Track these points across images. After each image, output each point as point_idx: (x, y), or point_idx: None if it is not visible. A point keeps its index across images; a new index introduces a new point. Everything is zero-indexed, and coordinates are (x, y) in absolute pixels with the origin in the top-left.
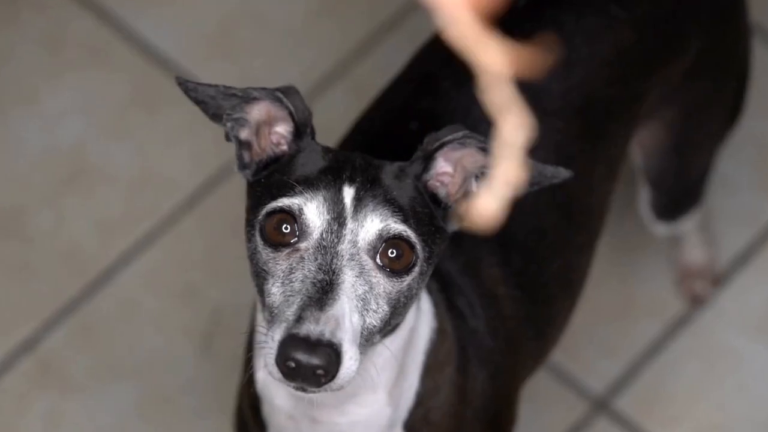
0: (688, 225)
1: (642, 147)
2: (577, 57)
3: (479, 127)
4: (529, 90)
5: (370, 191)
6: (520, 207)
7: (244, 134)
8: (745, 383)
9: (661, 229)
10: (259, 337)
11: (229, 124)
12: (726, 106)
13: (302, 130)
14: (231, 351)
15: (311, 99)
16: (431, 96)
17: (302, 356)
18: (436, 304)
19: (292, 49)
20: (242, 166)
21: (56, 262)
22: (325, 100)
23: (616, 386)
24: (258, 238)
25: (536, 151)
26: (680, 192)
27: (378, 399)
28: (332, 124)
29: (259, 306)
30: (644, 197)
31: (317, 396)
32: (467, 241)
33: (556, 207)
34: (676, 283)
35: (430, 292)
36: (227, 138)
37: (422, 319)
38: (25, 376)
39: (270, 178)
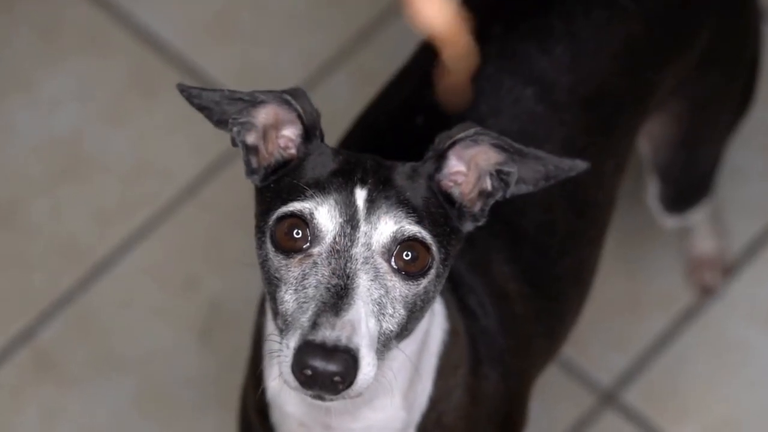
0: (697, 217)
1: (651, 139)
2: (586, 49)
3: (486, 121)
4: (538, 83)
5: (383, 192)
6: (530, 201)
7: (251, 139)
8: (755, 375)
9: (670, 221)
10: (271, 346)
11: (235, 129)
12: (736, 97)
13: (311, 132)
14: (231, 343)
15: (313, 85)
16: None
17: (319, 363)
18: (447, 305)
19: (294, 34)
20: (250, 171)
21: (53, 252)
22: (327, 87)
23: (624, 379)
24: (269, 244)
25: (545, 145)
26: (689, 184)
27: (393, 403)
28: (334, 111)
29: (269, 314)
30: (652, 190)
31: (333, 403)
32: (477, 238)
33: (566, 201)
34: (686, 273)
35: (441, 292)
36: (233, 143)
37: (435, 321)
38: (21, 368)
39: (279, 183)
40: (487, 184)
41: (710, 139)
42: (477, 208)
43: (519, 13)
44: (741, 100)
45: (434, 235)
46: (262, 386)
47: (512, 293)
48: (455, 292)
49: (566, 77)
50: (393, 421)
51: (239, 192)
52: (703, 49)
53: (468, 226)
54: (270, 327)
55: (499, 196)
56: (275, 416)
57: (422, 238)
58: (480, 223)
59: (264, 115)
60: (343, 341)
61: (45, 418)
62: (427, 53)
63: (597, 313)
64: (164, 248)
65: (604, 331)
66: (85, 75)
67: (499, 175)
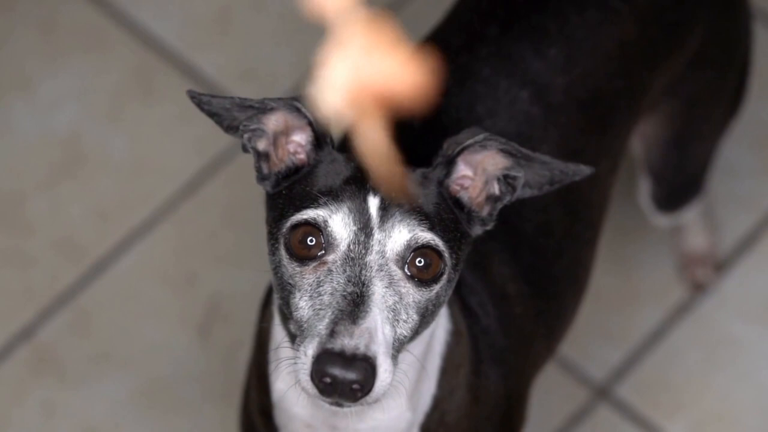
0: (689, 215)
1: (643, 138)
2: (580, 51)
3: (483, 123)
4: (532, 85)
5: (396, 200)
6: (528, 203)
7: (262, 145)
8: (747, 369)
9: (662, 220)
10: (281, 354)
11: (246, 136)
12: (728, 97)
13: (322, 139)
14: (230, 339)
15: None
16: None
17: (338, 372)
18: (450, 305)
19: (289, 34)
20: (261, 177)
21: (52, 250)
22: None
23: (618, 374)
24: (283, 252)
25: (541, 146)
26: (681, 183)
27: (399, 404)
28: None
29: (276, 319)
30: (644, 189)
31: (351, 408)
32: (477, 239)
33: (562, 202)
34: (677, 269)
35: None
36: (244, 149)
37: (440, 323)
38: (22, 365)
39: (292, 190)
40: (495, 188)
41: (702, 139)
42: (485, 212)
43: (514, 15)
44: (733, 100)
45: (446, 241)
46: (267, 388)
47: (512, 293)
48: (457, 293)
49: (561, 79)
50: (399, 421)
51: (238, 190)
52: (695, 49)
53: (477, 230)
54: (278, 333)
55: (506, 200)
56: (280, 417)
57: (435, 245)
58: (488, 227)
59: (274, 121)
60: (362, 349)
61: (45, 415)
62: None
63: (590, 308)
64: (163, 246)
65: (597, 327)
66: (84, 74)
67: (506, 179)
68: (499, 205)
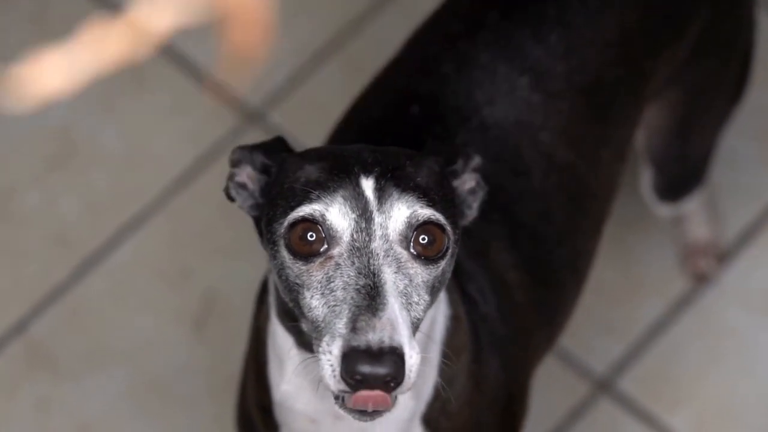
0: (691, 205)
1: (645, 128)
2: (580, 38)
3: (482, 111)
4: (532, 71)
5: (392, 180)
6: (528, 190)
7: (240, 179)
8: (750, 362)
9: (664, 210)
10: (286, 353)
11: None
12: (730, 85)
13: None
14: (225, 334)
15: (304, 76)
16: (431, 80)
17: (368, 369)
18: (449, 291)
19: (286, 23)
20: (242, 200)
21: (45, 244)
22: (319, 77)
23: (619, 367)
24: (285, 252)
25: (542, 133)
26: (683, 173)
27: None
28: (326, 100)
29: (274, 318)
30: (646, 178)
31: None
32: (476, 227)
33: (563, 190)
34: (680, 260)
35: None
36: (228, 196)
37: (439, 308)
38: (15, 360)
39: (270, 193)
40: (473, 184)
41: (704, 128)
42: (470, 201)
43: (513, 2)
44: (735, 89)
45: (447, 216)
46: (267, 386)
47: (511, 282)
48: (455, 279)
49: (561, 66)
50: (402, 410)
51: None
52: (697, 37)
53: (465, 220)
54: (279, 333)
55: (480, 195)
56: (282, 415)
57: (437, 219)
58: (474, 214)
59: (245, 175)
60: (387, 341)
61: (39, 410)
62: (421, 41)
63: (592, 301)
64: (157, 239)
65: (598, 319)
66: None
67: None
68: (479, 197)
